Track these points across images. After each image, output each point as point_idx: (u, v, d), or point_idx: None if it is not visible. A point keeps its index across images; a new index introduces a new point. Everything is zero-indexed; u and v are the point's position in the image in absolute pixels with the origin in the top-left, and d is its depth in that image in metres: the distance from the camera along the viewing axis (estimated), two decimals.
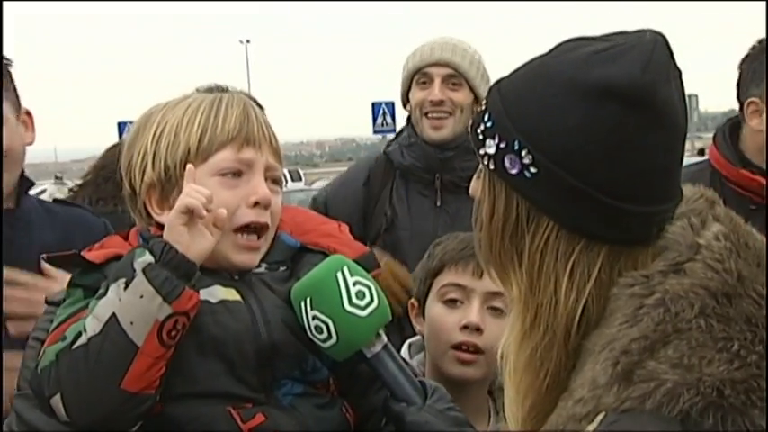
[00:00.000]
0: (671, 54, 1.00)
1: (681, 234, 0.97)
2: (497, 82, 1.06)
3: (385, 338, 1.33)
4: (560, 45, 1.04)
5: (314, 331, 1.29)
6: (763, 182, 2.25)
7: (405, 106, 2.76)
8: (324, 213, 2.45)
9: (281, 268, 1.42)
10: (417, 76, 2.66)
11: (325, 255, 1.45)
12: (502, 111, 1.01)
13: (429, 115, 2.64)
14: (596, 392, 0.90)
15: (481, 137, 1.03)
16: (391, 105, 19.62)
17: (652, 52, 0.97)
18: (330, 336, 1.29)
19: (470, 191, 1.12)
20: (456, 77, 2.63)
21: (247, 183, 1.35)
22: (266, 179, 1.37)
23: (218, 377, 1.29)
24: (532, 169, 0.98)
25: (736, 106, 2.40)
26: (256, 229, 1.36)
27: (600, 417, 0.89)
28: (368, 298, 1.28)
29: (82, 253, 1.35)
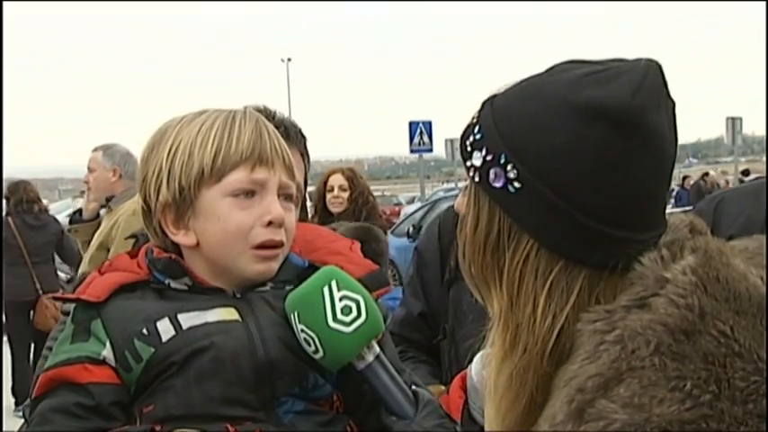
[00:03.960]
0: (664, 82, 1.00)
1: (649, 267, 0.96)
2: (491, 97, 1.06)
3: (377, 349, 1.33)
4: (555, 66, 1.04)
5: (304, 344, 1.31)
6: None
7: None
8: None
9: (287, 287, 1.42)
10: None
11: None
12: (492, 124, 1.02)
13: None
14: (555, 429, 0.89)
15: (469, 149, 1.03)
16: (428, 124, 19.64)
17: (644, 77, 0.97)
18: (317, 350, 1.29)
19: (455, 205, 1.12)
20: None
21: (261, 202, 1.36)
22: (279, 197, 1.38)
23: (214, 401, 1.29)
24: (516, 184, 0.98)
25: None
26: (272, 247, 1.37)
27: None
28: (354, 313, 1.28)
29: (81, 297, 1.37)
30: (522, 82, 1.05)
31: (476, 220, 1.03)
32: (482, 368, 1.86)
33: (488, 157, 1.00)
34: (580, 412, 0.87)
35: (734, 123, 24.13)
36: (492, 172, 0.99)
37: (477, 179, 1.02)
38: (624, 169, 0.96)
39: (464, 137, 1.05)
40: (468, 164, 1.03)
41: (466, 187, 1.07)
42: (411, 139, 19.59)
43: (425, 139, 19.51)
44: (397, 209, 26.15)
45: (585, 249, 0.97)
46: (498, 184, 0.99)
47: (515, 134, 0.99)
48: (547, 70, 1.04)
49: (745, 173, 23.23)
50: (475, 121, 1.05)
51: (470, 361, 1.76)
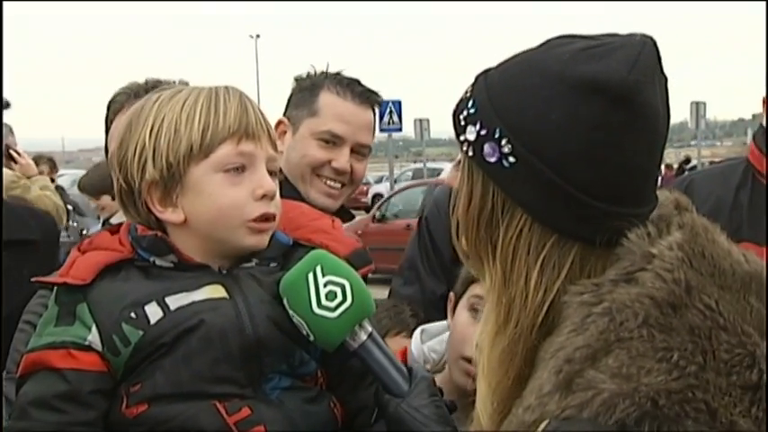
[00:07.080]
0: (659, 58, 1.00)
1: (636, 243, 0.97)
2: (485, 71, 1.06)
3: (370, 328, 1.33)
4: (550, 41, 1.04)
5: (299, 326, 1.31)
6: None
7: None
8: None
9: (272, 264, 1.42)
10: None
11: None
12: (486, 98, 1.01)
13: None
14: (542, 400, 0.91)
15: (463, 123, 1.03)
16: (398, 104, 19.58)
17: (640, 53, 0.97)
18: (309, 333, 1.30)
19: (447, 179, 1.12)
20: None
21: (251, 176, 1.36)
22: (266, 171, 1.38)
23: (203, 379, 1.29)
24: (511, 159, 0.98)
25: (745, 115, 2.37)
26: (266, 219, 1.37)
27: (543, 424, 0.89)
28: (339, 298, 1.28)
29: (66, 280, 1.34)
30: (516, 56, 1.04)
31: (469, 194, 1.03)
32: (421, 342, 1.91)
33: (482, 132, 1.00)
34: (568, 383, 0.88)
35: (698, 108, 24.46)
36: (486, 146, 0.99)
37: (470, 153, 1.02)
38: (618, 145, 0.96)
39: (457, 111, 1.05)
40: (462, 138, 1.02)
41: (460, 162, 1.07)
42: (381, 117, 19.50)
43: (395, 118, 19.46)
44: (365, 188, 26.13)
45: (578, 224, 0.98)
46: (492, 159, 0.99)
47: (510, 109, 0.99)
48: (541, 45, 1.04)
49: (687, 161, 23.18)
50: (468, 95, 1.04)
51: None
